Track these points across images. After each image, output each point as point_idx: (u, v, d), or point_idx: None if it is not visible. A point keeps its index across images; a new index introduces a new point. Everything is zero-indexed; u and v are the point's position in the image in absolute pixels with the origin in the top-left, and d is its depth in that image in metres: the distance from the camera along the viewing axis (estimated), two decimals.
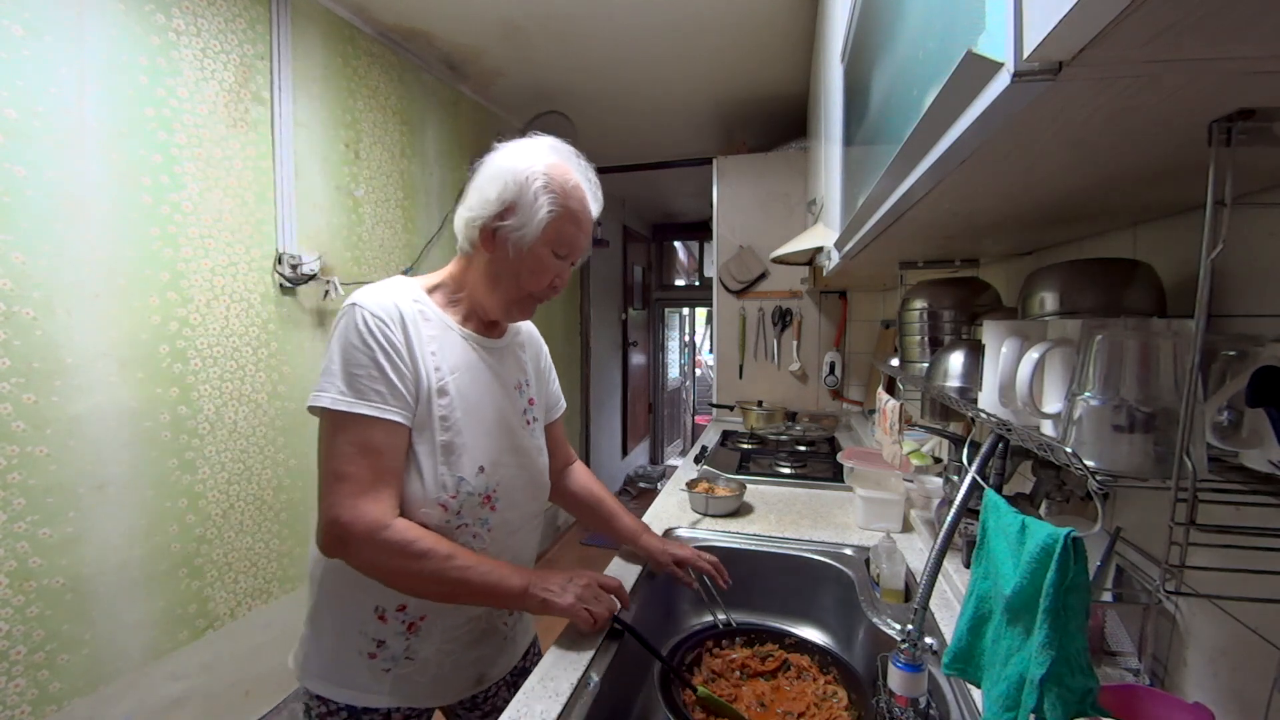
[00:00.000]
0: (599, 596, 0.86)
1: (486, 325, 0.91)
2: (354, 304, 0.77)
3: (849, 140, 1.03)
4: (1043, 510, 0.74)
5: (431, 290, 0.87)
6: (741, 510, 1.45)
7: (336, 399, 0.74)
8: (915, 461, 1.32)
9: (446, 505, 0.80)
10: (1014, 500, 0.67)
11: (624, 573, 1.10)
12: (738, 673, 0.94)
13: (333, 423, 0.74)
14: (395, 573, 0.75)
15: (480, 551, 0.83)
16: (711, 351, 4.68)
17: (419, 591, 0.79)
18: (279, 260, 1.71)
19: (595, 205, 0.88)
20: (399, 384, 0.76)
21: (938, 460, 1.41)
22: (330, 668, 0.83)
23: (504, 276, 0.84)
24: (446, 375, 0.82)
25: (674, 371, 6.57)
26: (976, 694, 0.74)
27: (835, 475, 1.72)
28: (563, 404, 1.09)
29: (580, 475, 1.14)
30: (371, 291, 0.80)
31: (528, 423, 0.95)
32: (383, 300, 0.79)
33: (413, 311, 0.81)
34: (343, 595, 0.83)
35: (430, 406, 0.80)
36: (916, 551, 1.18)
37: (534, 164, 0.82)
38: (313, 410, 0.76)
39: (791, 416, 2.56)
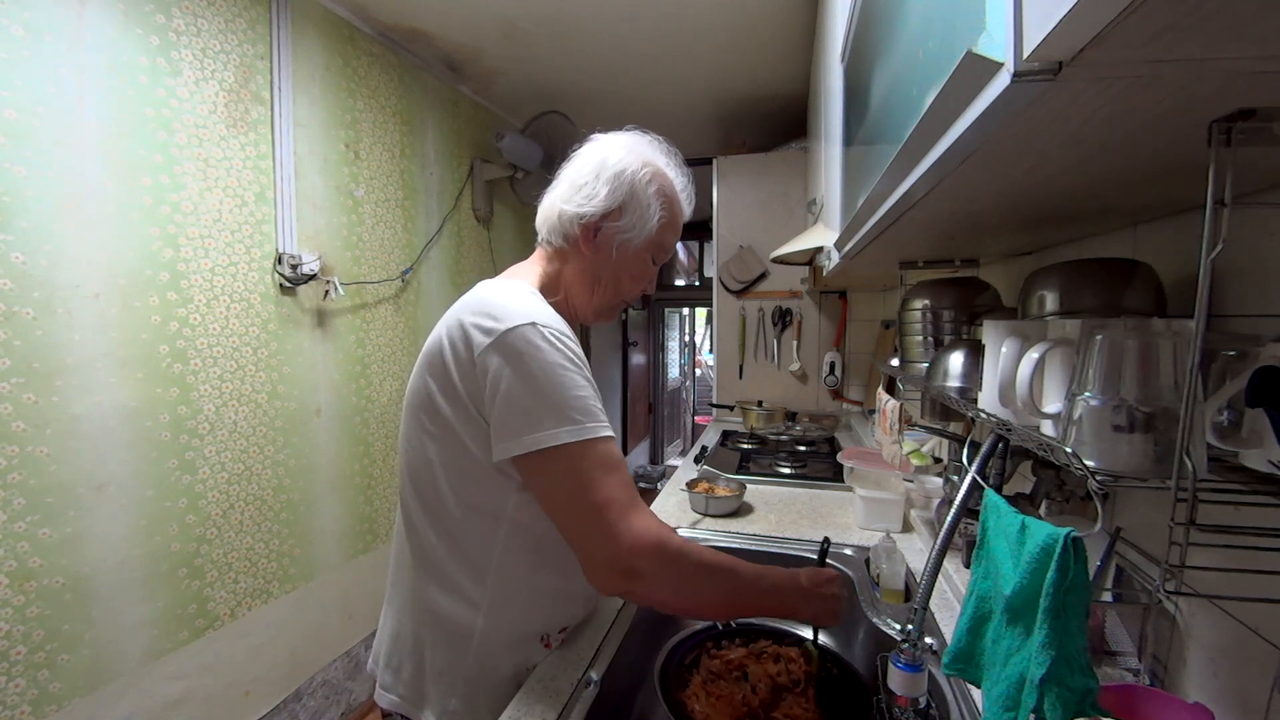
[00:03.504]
0: (840, 595, 0.81)
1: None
2: (533, 324, 0.68)
3: (849, 140, 1.03)
4: (1043, 510, 0.74)
5: (542, 294, 0.81)
6: (741, 510, 1.45)
7: (575, 430, 0.66)
8: (915, 461, 1.32)
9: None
10: (1014, 500, 0.67)
11: None
12: (736, 672, 0.94)
13: (572, 455, 0.66)
14: (689, 592, 0.69)
15: None
16: (711, 351, 4.68)
17: (703, 611, 0.72)
18: (279, 260, 1.71)
19: (689, 209, 0.84)
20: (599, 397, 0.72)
21: (938, 460, 1.41)
22: (487, 714, 0.77)
23: (604, 279, 0.79)
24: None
25: (674, 371, 6.57)
26: (976, 694, 0.73)
27: (835, 475, 1.72)
28: None
29: None
30: (532, 305, 0.72)
31: None
32: (554, 312, 0.73)
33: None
34: (513, 639, 0.78)
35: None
36: (916, 551, 1.18)
37: (646, 164, 0.77)
38: (545, 452, 0.66)
39: (791, 416, 2.56)
